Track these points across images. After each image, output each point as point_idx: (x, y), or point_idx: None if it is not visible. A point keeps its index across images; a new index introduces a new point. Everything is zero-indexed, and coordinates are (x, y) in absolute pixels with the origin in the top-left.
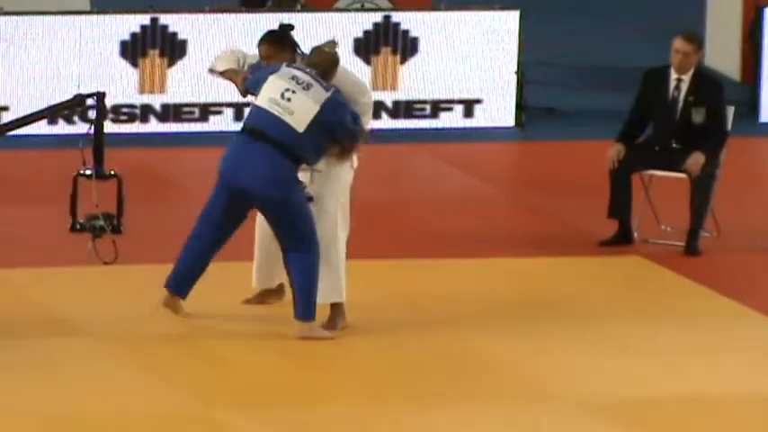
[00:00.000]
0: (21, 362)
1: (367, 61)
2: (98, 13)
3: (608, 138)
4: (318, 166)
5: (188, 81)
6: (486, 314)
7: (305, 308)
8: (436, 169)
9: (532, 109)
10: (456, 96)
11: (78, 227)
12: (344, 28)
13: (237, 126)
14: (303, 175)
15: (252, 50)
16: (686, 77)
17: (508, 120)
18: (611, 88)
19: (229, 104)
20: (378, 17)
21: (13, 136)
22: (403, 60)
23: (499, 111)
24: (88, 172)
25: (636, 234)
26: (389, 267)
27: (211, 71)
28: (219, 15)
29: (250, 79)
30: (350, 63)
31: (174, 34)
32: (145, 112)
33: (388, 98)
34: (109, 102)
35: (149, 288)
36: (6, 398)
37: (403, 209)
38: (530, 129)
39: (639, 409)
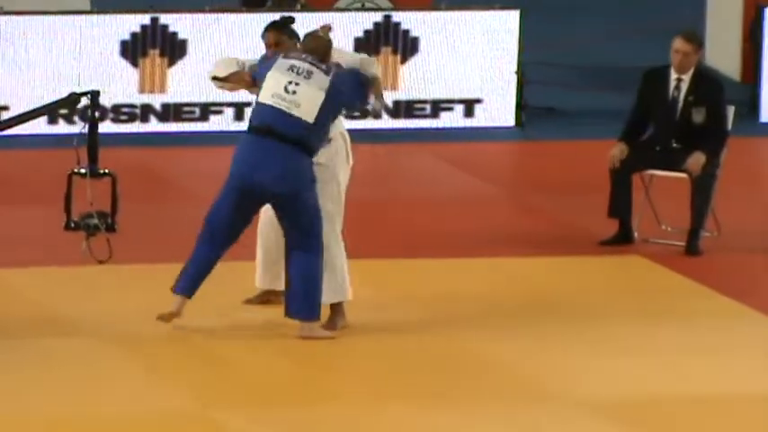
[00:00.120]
0: (20, 361)
1: None
2: (98, 12)
3: (608, 137)
4: (320, 159)
5: (188, 81)
6: (486, 314)
7: (309, 308)
8: (436, 169)
9: (533, 109)
10: (456, 96)
11: (73, 225)
12: (345, 28)
13: (238, 126)
14: None
15: (251, 52)
16: (686, 77)
17: (508, 119)
18: (612, 88)
19: (230, 104)
20: (378, 17)
21: (13, 135)
22: (403, 60)
23: (499, 110)
24: (83, 170)
25: (636, 234)
26: (389, 267)
27: (214, 79)
28: (220, 15)
29: (257, 72)
30: None
31: (175, 34)
32: (145, 112)
33: (388, 98)
34: (109, 101)
35: (149, 288)
36: (6, 397)
37: (403, 208)
38: (530, 128)
39: (639, 409)
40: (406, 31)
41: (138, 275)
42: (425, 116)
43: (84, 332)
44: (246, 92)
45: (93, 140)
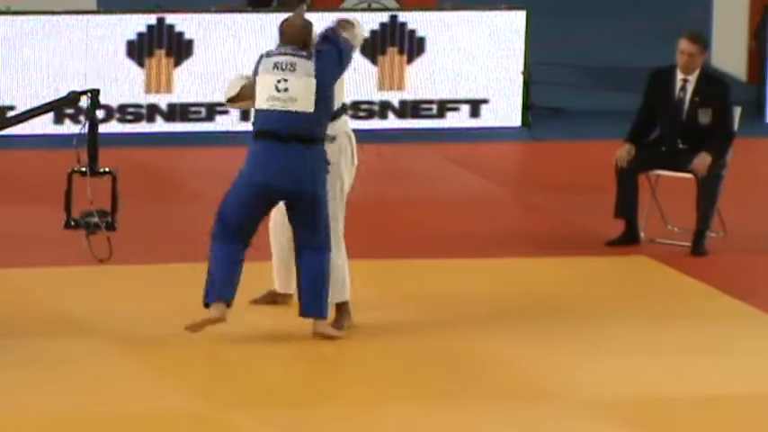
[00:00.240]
0: (22, 361)
1: (373, 61)
2: (104, 12)
3: (615, 138)
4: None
5: (194, 81)
6: (491, 314)
7: (321, 306)
8: (442, 169)
9: (539, 109)
10: (462, 96)
11: (73, 223)
12: None
13: (244, 126)
14: None
15: (257, 52)
16: (692, 78)
17: (515, 120)
18: (618, 88)
19: None
20: (384, 17)
21: (19, 135)
22: (409, 60)
23: (506, 111)
24: (83, 169)
25: (642, 234)
26: (394, 267)
27: (229, 102)
28: (226, 15)
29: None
30: (356, 63)
31: (181, 34)
32: (151, 112)
33: (394, 98)
34: (115, 101)
35: (156, 288)
36: (7, 397)
37: (409, 209)
38: (536, 129)
39: (643, 409)
40: (413, 32)
41: (144, 276)
42: (431, 116)
43: (90, 332)
44: None
45: (93, 139)
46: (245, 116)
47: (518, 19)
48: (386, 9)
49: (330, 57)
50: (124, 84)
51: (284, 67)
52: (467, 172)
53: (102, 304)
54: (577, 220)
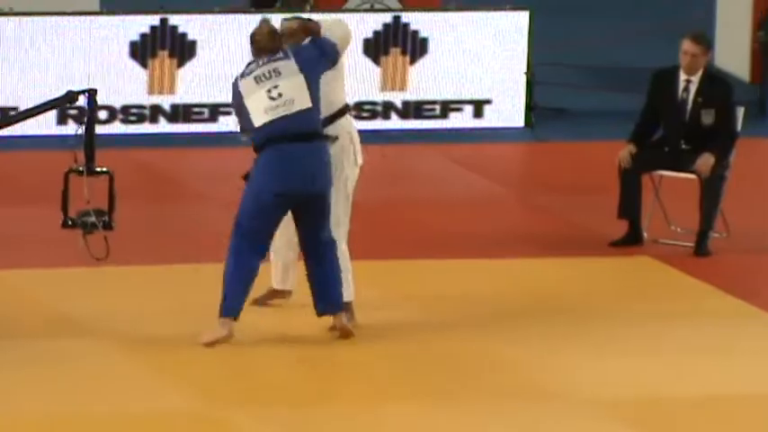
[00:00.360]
0: (20, 361)
1: (376, 62)
2: (107, 13)
3: (618, 138)
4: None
5: (197, 82)
6: (494, 315)
7: (338, 301)
8: (446, 170)
9: (542, 109)
10: (466, 97)
11: (70, 223)
12: (354, 28)
13: None
14: None
15: None
16: (695, 79)
17: (518, 120)
18: (621, 89)
19: None
20: (387, 18)
21: (22, 136)
22: (412, 61)
23: (509, 111)
24: (80, 168)
25: (646, 235)
26: (397, 268)
27: (244, 135)
28: (229, 16)
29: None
30: (359, 63)
31: (184, 35)
32: (154, 113)
33: (397, 98)
34: (118, 102)
35: (155, 288)
36: (7, 397)
37: (412, 209)
38: (539, 129)
39: (645, 409)
40: (416, 32)
41: (146, 276)
42: (435, 117)
43: (90, 332)
44: None
45: (90, 139)
46: None
47: (521, 19)
48: (389, 10)
49: (308, 49)
50: (127, 85)
51: (268, 75)
52: (470, 172)
53: (103, 304)
54: (580, 221)
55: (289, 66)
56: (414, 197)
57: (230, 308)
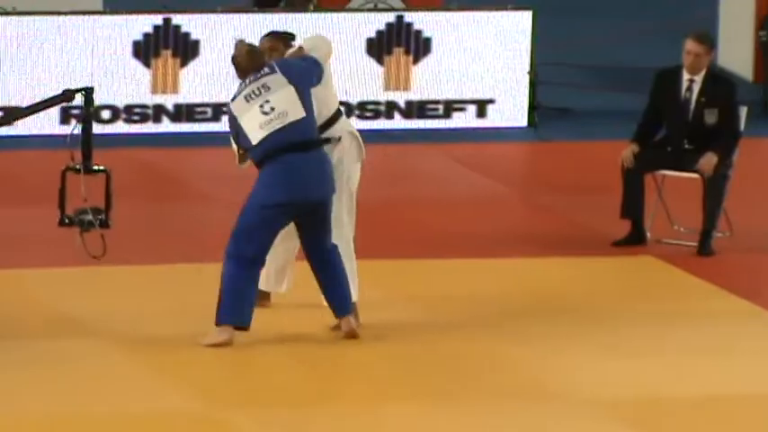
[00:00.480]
0: (21, 361)
1: (380, 61)
2: (111, 13)
3: (621, 138)
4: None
5: (200, 81)
6: (497, 314)
7: (349, 302)
8: (449, 169)
9: (545, 109)
10: (469, 96)
11: (67, 221)
12: (357, 28)
13: None
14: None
15: None
16: (698, 78)
17: (521, 120)
18: (624, 88)
19: None
20: (390, 17)
21: (25, 136)
22: (416, 60)
23: (512, 111)
24: (77, 167)
25: (649, 234)
26: (400, 267)
27: (242, 161)
28: (232, 15)
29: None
30: (362, 63)
31: (187, 34)
32: (157, 113)
33: (400, 98)
34: (121, 102)
35: (157, 288)
36: (7, 397)
37: (415, 209)
38: (542, 129)
39: (647, 410)
40: (419, 32)
41: (148, 276)
42: (438, 116)
43: (90, 332)
44: None
45: (87, 137)
46: None
47: (524, 19)
48: (392, 9)
49: (293, 62)
50: (130, 84)
51: (257, 93)
52: (473, 172)
53: (104, 304)
54: (583, 221)
55: (276, 79)
56: (417, 197)
57: (233, 316)
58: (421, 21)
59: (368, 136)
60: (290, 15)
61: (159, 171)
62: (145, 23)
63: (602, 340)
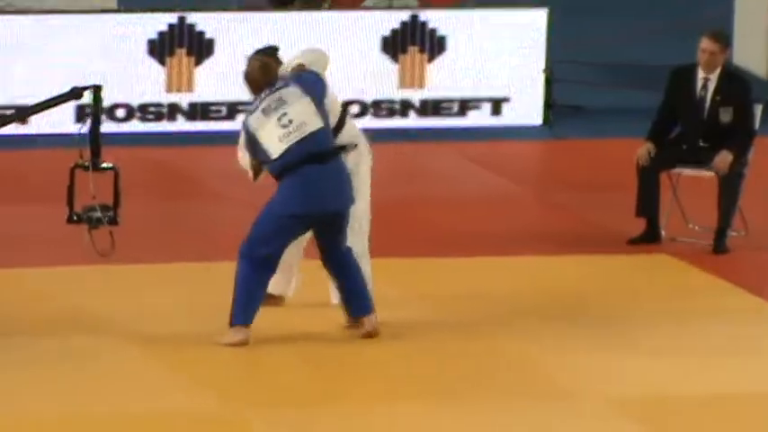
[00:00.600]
0: (35, 359)
1: (394, 59)
2: (125, 11)
3: (636, 136)
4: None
5: (215, 80)
6: (512, 313)
7: (370, 303)
8: (463, 168)
9: (560, 107)
10: (483, 95)
11: (75, 218)
12: (372, 26)
13: None
14: None
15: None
16: (713, 76)
17: (536, 118)
18: (640, 86)
19: None
20: (405, 16)
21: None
22: (430, 59)
23: (527, 109)
24: (86, 164)
25: (664, 232)
26: (414, 266)
27: (256, 175)
28: (247, 14)
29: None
30: (377, 61)
31: (202, 33)
32: (172, 111)
33: (415, 96)
34: (136, 100)
35: (170, 286)
36: (10, 397)
37: (429, 207)
38: (558, 127)
39: (660, 408)
40: (434, 30)
41: (161, 274)
42: (453, 115)
43: (101, 330)
44: None
45: (96, 134)
46: None
47: (539, 17)
48: (407, 7)
49: (305, 75)
50: (145, 83)
51: (274, 107)
52: (487, 170)
53: (116, 303)
54: (598, 219)
55: (292, 92)
56: (431, 195)
57: (247, 316)
58: (436, 19)
59: (382, 134)
60: (305, 14)
61: (173, 169)
62: (160, 22)
63: (616, 338)
